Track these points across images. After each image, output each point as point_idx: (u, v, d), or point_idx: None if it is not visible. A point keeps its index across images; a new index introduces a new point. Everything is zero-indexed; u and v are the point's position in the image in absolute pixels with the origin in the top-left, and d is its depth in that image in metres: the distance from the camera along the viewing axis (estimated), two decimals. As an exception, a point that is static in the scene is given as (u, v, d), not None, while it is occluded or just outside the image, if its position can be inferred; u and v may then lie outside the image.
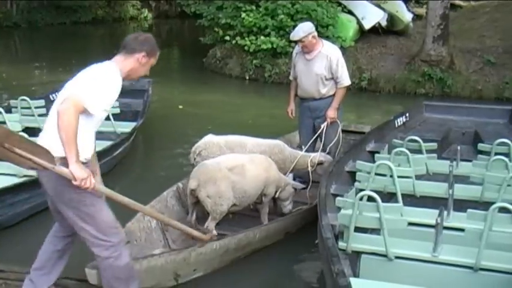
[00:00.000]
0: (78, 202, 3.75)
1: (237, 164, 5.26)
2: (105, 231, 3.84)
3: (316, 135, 6.61)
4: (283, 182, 5.65)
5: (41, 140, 3.72)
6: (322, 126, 6.53)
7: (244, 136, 6.18)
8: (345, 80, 6.50)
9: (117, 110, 7.78)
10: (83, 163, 3.63)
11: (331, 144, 6.54)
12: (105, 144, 7.05)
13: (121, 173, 7.44)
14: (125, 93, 8.92)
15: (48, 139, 3.67)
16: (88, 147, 3.80)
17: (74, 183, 3.56)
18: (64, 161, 3.54)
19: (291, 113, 6.97)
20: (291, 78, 6.96)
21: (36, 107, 7.72)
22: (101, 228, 3.82)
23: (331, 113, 6.52)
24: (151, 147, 8.64)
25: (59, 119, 3.49)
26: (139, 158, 8.36)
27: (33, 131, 7.10)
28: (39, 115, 7.69)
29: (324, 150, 6.50)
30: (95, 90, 3.65)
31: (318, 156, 6.22)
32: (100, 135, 7.16)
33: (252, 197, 5.33)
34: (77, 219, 3.79)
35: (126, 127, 7.78)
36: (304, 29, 6.35)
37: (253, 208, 5.66)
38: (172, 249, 4.61)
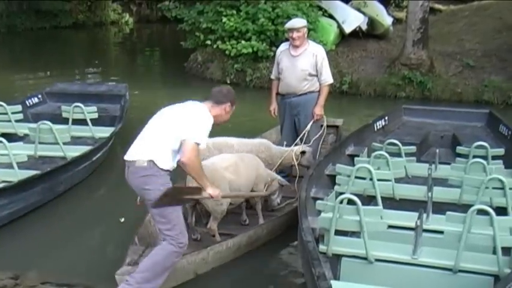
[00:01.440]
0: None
1: (230, 163, 5.42)
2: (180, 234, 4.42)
3: (302, 133, 6.78)
4: (269, 177, 5.84)
5: (138, 154, 4.43)
6: (308, 125, 6.75)
7: (229, 137, 6.36)
8: (329, 78, 6.81)
9: (95, 115, 7.76)
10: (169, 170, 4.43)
11: (315, 137, 6.79)
12: (84, 149, 7.03)
13: (100, 178, 7.44)
14: (102, 98, 8.98)
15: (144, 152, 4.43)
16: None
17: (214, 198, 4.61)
18: (151, 163, 4.33)
19: (274, 112, 7.11)
20: (272, 77, 7.14)
21: (13, 113, 7.68)
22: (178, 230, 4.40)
23: (318, 110, 6.78)
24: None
25: (188, 167, 4.38)
26: (118, 163, 8.29)
27: (10, 137, 7.09)
28: (16, 120, 7.66)
29: (305, 143, 6.71)
30: (202, 129, 4.42)
31: (300, 148, 6.45)
32: (78, 140, 7.19)
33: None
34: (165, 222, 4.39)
35: (105, 132, 7.73)
36: (302, 21, 6.81)
37: (247, 206, 5.83)
38: (192, 251, 4.77)
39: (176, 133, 4.40)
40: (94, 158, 7.24)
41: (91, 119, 7.66)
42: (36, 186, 6.07)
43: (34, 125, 6.96)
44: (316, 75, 6.74)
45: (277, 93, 7.04)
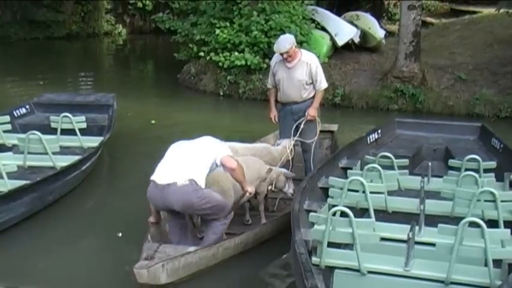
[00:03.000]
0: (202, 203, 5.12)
1: None
2: (221, 209, 5.27)
3: (298, 132, 7.06)
4: (275, 174, 6.18)
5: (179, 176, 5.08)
6: (301, 125, 7.04)
7: (234, 142, 6.69)
8: (323, 83, 7.10)
9: (84, 125, 7.79)
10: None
11: (312, 140, 7.12)
12: (73, 159, 7.05)
13: (89, 188, 7.46)
14: (90, 108, 9.05)
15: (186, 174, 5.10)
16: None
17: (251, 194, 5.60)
18: (192, 181, 5.04)
19: (274, 119, 7.37)
20: (269, 86, 7.38)
21: (1, 123, 7.70)
22: (218, 208, 5.23)
23: (312, 112, 7.04)
24: (120, 162, 8.63)
25: (235, 172, 5.32)
26: (106, 172, 8.35)
27: None
28: (4, 131, 7.66)
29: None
30: (222, 145, 5.48)
31: (288, 143, 6.90)
32: (66, 150, 7.20)
33: (247, 196, 5.74)
34: (205, 211, 5.21)
35: (93, 142, 7.75)
36: (289, 41, 6.88)
37: (250, 207, 6.24)
38: (203, 247, 5.10)
39: (204, 157, 5.25)
40: (83, 168, 7.26)
41: (79, 129, 7.68)
42: (26, 196, 6.06)
43: (23, 135, 6.96)
44: (312, 83, 7.00)
45: (276, 101, 7.31)
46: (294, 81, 6.94)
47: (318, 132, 7.19)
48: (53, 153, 6.86)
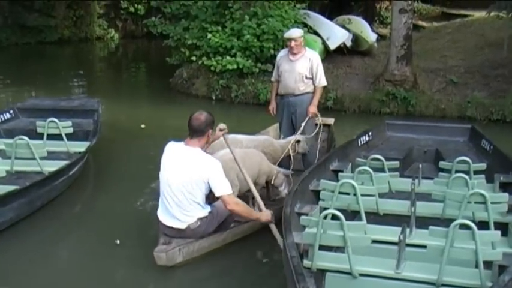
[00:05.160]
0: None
1: (237, 157, 5.93)
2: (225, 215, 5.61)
3: (298, 130, 7.48)
4: (274, 170, 6.48)
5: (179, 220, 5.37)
6: (303, 123, 7.49)
7: (238, 134, 7.00)
8: (323, 81, 7.65)
9: (70, 130, 7.77)
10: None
11: (312, 135, 7.55)
12: (60, 163, 7.03)
13: (77, 193, 7.45)
14: (74, 113, 9.04)
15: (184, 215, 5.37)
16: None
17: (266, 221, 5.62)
18: (201, 218, 5.37)
19: (273, 111, 8.02)
20: (273, 79, 8.03)
21: None
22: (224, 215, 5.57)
23: (313, 109, 7.57)
24: (107, 167, 8.59)
25: (237, 213, 5.41)
26: (92, 177, 8.33)
27: None
28: None
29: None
30: (222, 179, 5.28)
31: (294, 138, 7.21)
32: (52, 155, 7.18)
33: (247, 186, 5.96)
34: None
35: (80, 147, 7.73)
36: (299, 31, 7.68)
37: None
38: (216, 232, 5.57)
39: (199, 190, 5.30)
40: (71, 173, 7.25)
41: (66, 134, 7.67)
42: (14, 201, 6.04)
43: (10, 140, 6.92)
44: (312, 78, 7.54)
45: (277, 94, 7.89)
46: (295, 73, 7.51)
47: (320, 128, 7.70)
48: (40, 158, 6.85)
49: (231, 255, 5.63)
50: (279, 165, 6.89)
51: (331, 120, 8.72)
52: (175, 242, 5.29)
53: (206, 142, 5.49)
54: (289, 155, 7.12)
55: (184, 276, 5.27)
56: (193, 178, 5.23)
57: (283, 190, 6.56)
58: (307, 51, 7.67)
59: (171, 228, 5.38)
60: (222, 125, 5.99)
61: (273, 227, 5.61)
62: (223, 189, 5.26)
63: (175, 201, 5.32)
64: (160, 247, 5.21)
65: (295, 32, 7.59)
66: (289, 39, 7.51)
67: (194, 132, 5.34)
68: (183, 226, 5.33)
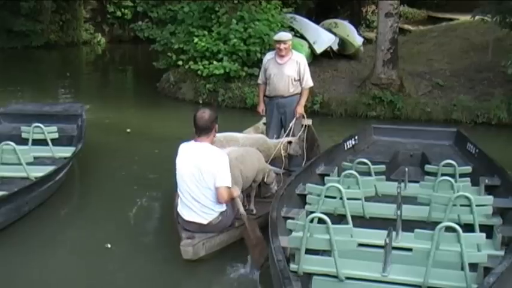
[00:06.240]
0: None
1: (238, 154, 6.15)
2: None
3: (287, 129, 7.69)
4: (267, 168, 6.63)
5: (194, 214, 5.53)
6: (291, 123, 7.66)
7: (235, 132, 7.32)
8: (309, 82, 7.83)
9: (56, 135, 7.76)
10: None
11: (298, 134, 7.63)
12: (46, 169, 6.99)
13: (63, 198, 7.41)
14: (58, 118, 8.99)
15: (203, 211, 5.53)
16: None
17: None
18: (222, 213, 5.54)
19: (262, 112, 8.12)
20: (259, 81, 8.09)
21: None
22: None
23: (300, 109, 7.75)
24: (92, 171, 8.56)
25: (225, 200, 5.51)
26: (77, 182, 8.31)
27: None
28: None
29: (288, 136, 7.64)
30: (226, 172, 5.46)
31: (285, 139, 7.35)
32: (36, 161, 7.14)
33: (249, 182, 6.21)
34: None
35: (65, 152, 7.69)
36: (288, 35, 7.86)
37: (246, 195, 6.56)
38: (232, 227, 5.72)
39: (212, 179, 5.43)
40: (57, 178, 7.20)
41: (51, 139, 7.65)
42: (2, 207, 5.99)
43: None
44: (299, 80, 7.68)
45: (265, 95, 7.96)
46: (284, 76, 7.63)
47: (305, 127, 7.87)
48: (26, 164, 6.81)
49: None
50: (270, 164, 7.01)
51: (309, 121, 8.57)
52: (198, 236, 5.39)
53: (214, 136, 5.66)
54: (281, 154, 7.25)
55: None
56: (204, 171, 5.40)
57: (273, 187, 6.67)
58: (294, 54, 7.78)
59: (193, 223, 5.51)
60: None
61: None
62: (223, 181, 5.43)
63: (192, 196, 5.47)
64: (185, 241, 5.29)
65: (285, 35, 7.73)
66: (279, 42, 7.60)
67: (201, 130, 5.52)
68: (205, 221, 5.48)
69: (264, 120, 8.39)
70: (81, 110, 9.22)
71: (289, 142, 7.32)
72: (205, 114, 5.54)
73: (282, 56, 7.64)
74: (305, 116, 7.91)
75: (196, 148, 5.53)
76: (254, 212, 6.26)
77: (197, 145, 5.53)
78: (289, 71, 7.62)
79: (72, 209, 7.34)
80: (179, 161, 5.57)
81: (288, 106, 7.77)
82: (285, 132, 7.75)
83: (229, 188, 5.47)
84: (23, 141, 7.57)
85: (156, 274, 5.35)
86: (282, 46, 7.56)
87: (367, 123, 9.89)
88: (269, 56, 7.92)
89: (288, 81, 7.64)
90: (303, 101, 7.80)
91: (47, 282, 5.29)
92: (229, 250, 5.68)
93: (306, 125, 7.90)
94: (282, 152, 7.24)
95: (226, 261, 5.59)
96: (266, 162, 6.80)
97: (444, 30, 18.38)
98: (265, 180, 6.57)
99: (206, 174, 5.39)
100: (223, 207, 5.54)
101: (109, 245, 5.88)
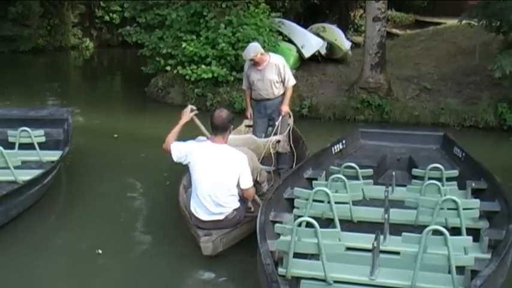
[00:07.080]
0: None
1: None
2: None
3: (275, 128, 7.80)
4: (259, 167, 6.73)
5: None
6: (277, 122, 7.78)
7: None
8: (292, 81, 7.90)
9: (43, 139, 7.77)
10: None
11: (285, 133, 7.72)
12: (34, 173, 6.98)
13: (51, 201, 7.41)
14: (43, 122, 8.97)
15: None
16: None
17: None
18: (236, 209, 5.71)
19: (250, 117, 8.28)
20: (244, 87, 8.23)
21: None
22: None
23: (285, 108, 7.85)
24: (79, 175, 8.53)
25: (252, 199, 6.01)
26: (64, 186, 8.29)
27: None
28: None
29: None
30: (249, 174, 5.77)
31: (274, 138, 7.45)
32: (23, 165, 7.12)
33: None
34: None
35: (52, 156, 7.69)
36: (254, 50, 7.72)
37: None
38: (247, 220, 5.87)
39: (234, 183, 5.66)
40: (45, 181, 7.19)
41: (38, 143, 7.66)
42: None
43: None
44: (282, 81, 7.79)
45: (251, 99, 8.13)
46: (266, 81, 7.74)
47: (291, 126, 7.97)
48: (14, 168, 6.79)
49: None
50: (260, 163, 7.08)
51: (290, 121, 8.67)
52: (214, 232, 5.48)
53: (228, 137, 5.84)
54: (270, 153, 7.34)
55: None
56: (228, 173, 5.60)
57: (264, 186, 6.81)
58: (271, 57, 7.86)
59: (208, 222, 5.65)
60: (192, 107, 6.37)
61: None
62: (249, 182, 5.73)
63: (211, 197, 5.61)
64: (204, 238, 5.36)
65: (252, 52, 7.69)
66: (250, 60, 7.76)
67: (218, 129, 5.72)
68: (221, 217, 5.63)
69: (246, 122, 8.60)
70: (67, 114, 9.20)
71: (278, 141, 7.43)
72: (223, 113, 5.78)
73: (258, 64, 7.75)
74: (291, 114, 8.04)
75: (216, 151, 5.68)
76: (252, 209, 6.24)
77: (216, 148, 5.69)
78: (270, 75, 7.72)
79: (62, 212, 7.34)
80: (197, 161, 5.67)
81: (275, 106, 7.90)
82: (272, 131, 7.84)
83: (253, 187, 5.82)
84: (10, 146, 7.56)
85: (145, 276, 5.37)
86: (254, 60, 7.68)
87: (356, 127, 9.91)
88: (249, 63, 7.96)
89: (271, 85, 7.76)
90: (286, 100, 7.87)
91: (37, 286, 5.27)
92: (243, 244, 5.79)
93: (291, 125, 7.99)
94: (271, 150, 7.32)
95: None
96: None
97: (431, 34, 18.49)
98: (257, 179, 6.61)
99: (228, 176, 5.59)
100: (238, 204, 5.71)
101: (100, 251, 5.86)
